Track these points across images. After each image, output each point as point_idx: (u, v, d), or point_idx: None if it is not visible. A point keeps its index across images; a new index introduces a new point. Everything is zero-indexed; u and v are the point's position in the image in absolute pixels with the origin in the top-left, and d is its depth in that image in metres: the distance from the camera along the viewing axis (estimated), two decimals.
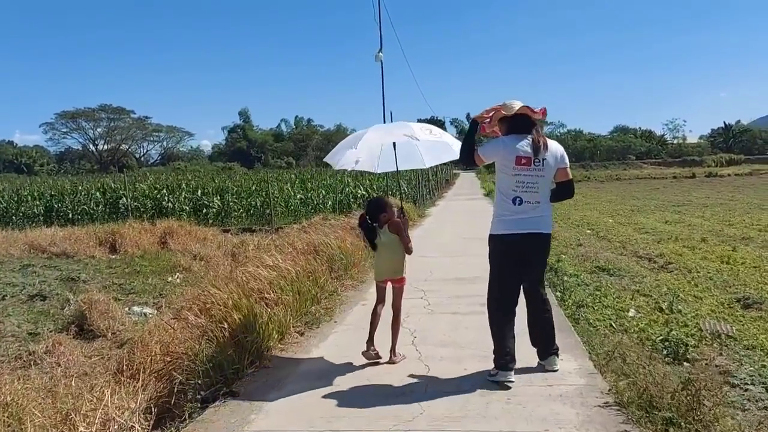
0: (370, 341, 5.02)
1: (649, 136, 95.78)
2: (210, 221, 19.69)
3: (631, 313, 6.75)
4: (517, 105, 4.55)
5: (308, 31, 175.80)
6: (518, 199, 4.44)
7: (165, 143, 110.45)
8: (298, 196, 21.04)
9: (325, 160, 6.03)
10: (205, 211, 20.05)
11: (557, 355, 4.73)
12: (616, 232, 15.05)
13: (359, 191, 21.38)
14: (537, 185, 4.47)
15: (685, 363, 5.14)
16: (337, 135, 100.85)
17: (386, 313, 5.11)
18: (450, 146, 5.55)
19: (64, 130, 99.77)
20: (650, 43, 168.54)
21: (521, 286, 4.67)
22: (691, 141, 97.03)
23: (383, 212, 5.12)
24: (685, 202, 25.11)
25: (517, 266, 4.54)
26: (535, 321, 4.74)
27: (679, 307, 6.93)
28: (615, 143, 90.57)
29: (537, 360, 4.77)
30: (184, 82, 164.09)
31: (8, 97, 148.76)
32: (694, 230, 15.08)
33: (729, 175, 51.76)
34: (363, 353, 4.98)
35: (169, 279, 11.05)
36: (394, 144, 5.37)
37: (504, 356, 4.45)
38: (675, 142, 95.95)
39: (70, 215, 20.19)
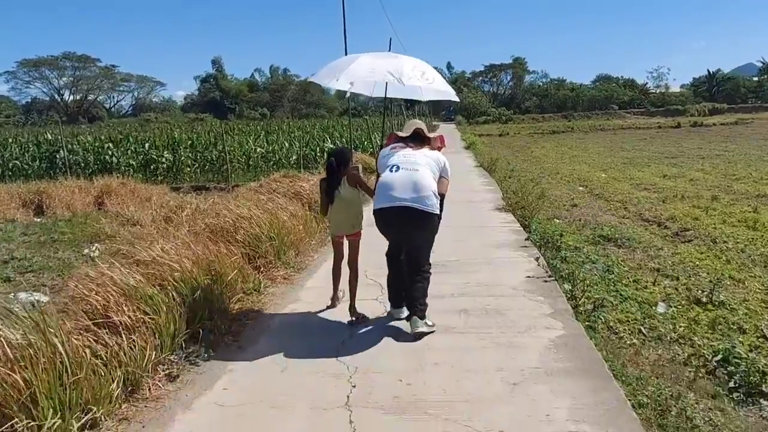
0: (334, 295, 5.06)
1: (632, 85, 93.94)
2: (160, 178, 17.62)
3: (661, 308, 5.06)
4: (413, 127, 4.71)
5: None
6: (395, 166, 4.35)
7: (136, 93, 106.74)
8: (258, 150, 18.96)
9: (311, 79, 5.88)
10: (153, 166, 17.95)
11: (423, 318, 4.38)
12: (612, 189, 13.34)
13: (326, 144, 19.36)
14: (415, 158, 4.38)
15: (762, 401, 3.46)
16: (314, 85, 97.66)
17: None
18: (444, 92, 5.29)
19: (27, 79, 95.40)
20: None
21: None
22: (674, 90, 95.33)
23: (348, 164, 4.87)
24: (677, 153, 23.50)
25: (395, 236, 4.52)
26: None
27: (721, 296, 5.25)
28: (598, 93, 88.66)
29: None
30: (154, 29, 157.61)
31: None
32: (699, 186, 13.46)
33: (714, 124, 50.31)
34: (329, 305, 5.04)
35: (86, 251, 9.15)
36: (386, 83, 4.98)
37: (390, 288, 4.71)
38: (658, 91, 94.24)
39: (1, 171, 17.95)
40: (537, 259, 5.96)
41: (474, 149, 27.09)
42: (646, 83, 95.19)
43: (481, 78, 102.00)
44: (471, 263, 6.22)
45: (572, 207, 11.09)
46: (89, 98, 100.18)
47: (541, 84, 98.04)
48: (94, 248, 9.39)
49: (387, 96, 5.35)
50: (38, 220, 12.90)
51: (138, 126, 43.80)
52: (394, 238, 4.53)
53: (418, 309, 4.35)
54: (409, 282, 4.46)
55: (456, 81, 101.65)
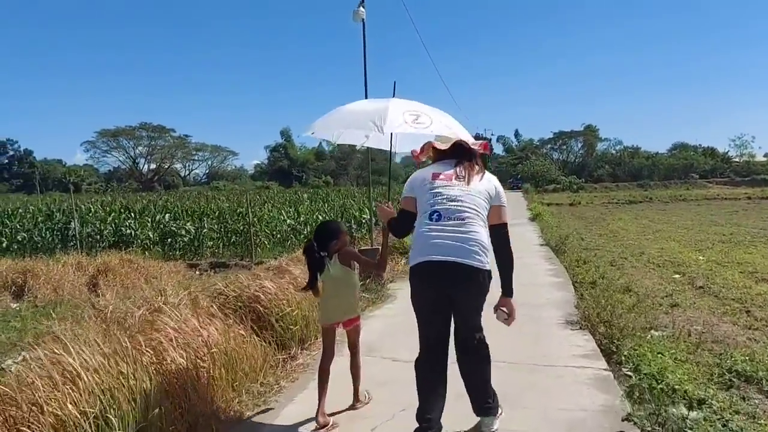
0: (319, 410, 4.09)
1: (712, 153, 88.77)
2: (179, 252, 15.64)
3: None
4: (453, 138, 3.98)
5: (352, 50, 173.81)
6: (436, 213, 3.57)
7: (210, 162, 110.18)
8: (287, 222, 16.76)
9: (309, 134, 4.68)
10: (170, 240, 15.99)
11: (495, 414, 3.72)
12: (720, 281, 10.23)
13: (364, 215, 16.94)
14: (461, 198, 3.59)
15: None
16: (377, 152, 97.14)
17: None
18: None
19: (105, 148, 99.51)
20: (703, 60, 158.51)
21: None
22: (759, 159, 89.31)
23: (335, 239, 4.33)
24: None
25: (436, 304, 3.60)
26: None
27: None
28: (675, 161, 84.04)
29: None
30: (228, 102, 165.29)
31: (62, 115, 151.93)
32: None
33: None
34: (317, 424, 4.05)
35: (8, 362, 6.92)
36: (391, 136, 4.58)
37: (420, 420, 3.55)
38: (741, 160, 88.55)
39: (5, 244, 16.21)
40: None
41: (540, 221, 24.20)
42: (728, 151, 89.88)
43: (549, 145, 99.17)
44: None
45: (672, 308, 8.17)
46: (164, 167, 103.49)
47: (614, 152, 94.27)
48: (20, 358, 7.17)
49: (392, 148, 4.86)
50: (14, 305, 11.00)
51: (195, 194, 43.15)
52: (431, 303, 3.63)
53: (487, 407, 3.71)
54: (463, 367, 3.69)
55: (524, 148, 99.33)
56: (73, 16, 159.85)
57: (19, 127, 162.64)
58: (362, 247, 10.44)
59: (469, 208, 3.58)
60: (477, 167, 3.80)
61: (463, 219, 3.54)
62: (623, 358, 5.33)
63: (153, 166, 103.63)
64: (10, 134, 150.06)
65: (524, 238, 16.39)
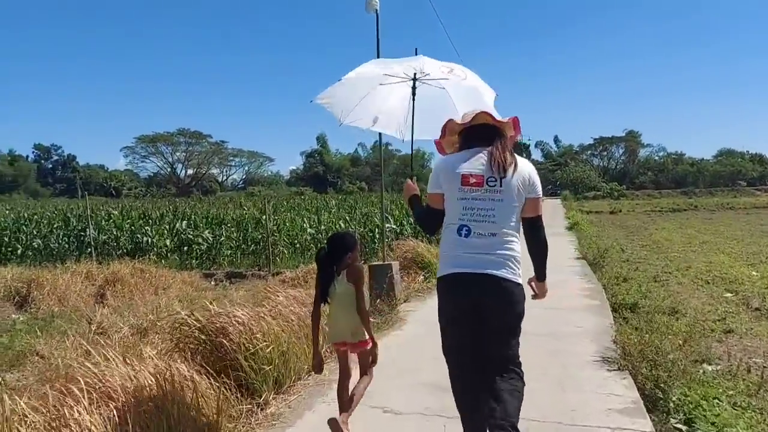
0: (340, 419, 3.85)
1: (761, 159, 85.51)
2: (194, 261, 15.08)
3: None
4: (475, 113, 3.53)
5: (386, 49, 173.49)
6: (464, 228, 3.31)
7: (247, 168, 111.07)
8: (308, 230, 16.04)
9: (318, 101, 4.50)
10: (187, 248, 15.43)
11: None
12: None
13: (388, 224, 16.07)
14: (493, 212, 3.31)
15: None
16: (416, 160, 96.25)
17: None
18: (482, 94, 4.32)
19: (144, 153, 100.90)
20: (749, 62, 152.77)
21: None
22: None
23: (350, 252, 3.97)
24: None
25: (466, 322, 3.32)
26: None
27: None
28: (722, 168, 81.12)
29: None
30: (264, 108, 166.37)
31: (100, 123, 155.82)
32: None
33: None
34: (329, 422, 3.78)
35: None
36: (413, 89, 4.22)
37: None
38: None
39: (19, 251, 15.92)
40: None
41: (578, 231, 23.02)
42: None
43: (590, 151, 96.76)
44: None
45: (725, 334, 7.15)
46: (201, 172, 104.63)
47: (657, 158, 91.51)
48: None
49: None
50: (15, 316, 10.54)
51: (227, 200, 43.04)
52: (461, 315, 3.31)
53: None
54: (491, 389, 3.18)
55: (563, 154, 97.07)
56: (114, 22, 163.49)
57: (63, 133, 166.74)
58: (374, 263, 9.60)
59: (501, 221, 3.31)
60: (509, 155, 3.37)
61: (494, 234, 3.30)
62: (671, 405, 4.38)
63: (190, 171, 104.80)
64: (55, 140, 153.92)
65: (560, 251, 15.26)
